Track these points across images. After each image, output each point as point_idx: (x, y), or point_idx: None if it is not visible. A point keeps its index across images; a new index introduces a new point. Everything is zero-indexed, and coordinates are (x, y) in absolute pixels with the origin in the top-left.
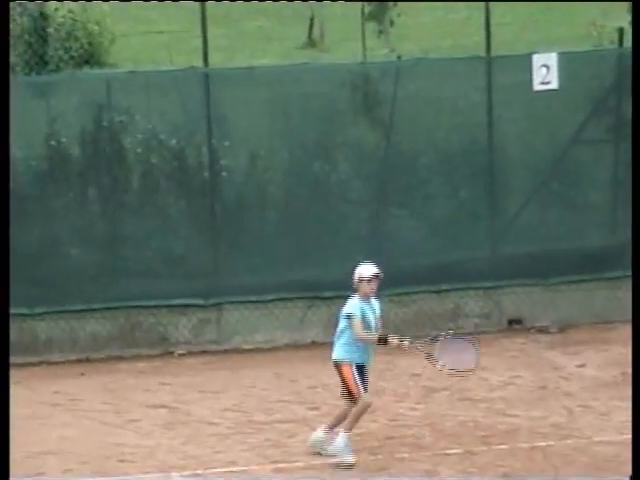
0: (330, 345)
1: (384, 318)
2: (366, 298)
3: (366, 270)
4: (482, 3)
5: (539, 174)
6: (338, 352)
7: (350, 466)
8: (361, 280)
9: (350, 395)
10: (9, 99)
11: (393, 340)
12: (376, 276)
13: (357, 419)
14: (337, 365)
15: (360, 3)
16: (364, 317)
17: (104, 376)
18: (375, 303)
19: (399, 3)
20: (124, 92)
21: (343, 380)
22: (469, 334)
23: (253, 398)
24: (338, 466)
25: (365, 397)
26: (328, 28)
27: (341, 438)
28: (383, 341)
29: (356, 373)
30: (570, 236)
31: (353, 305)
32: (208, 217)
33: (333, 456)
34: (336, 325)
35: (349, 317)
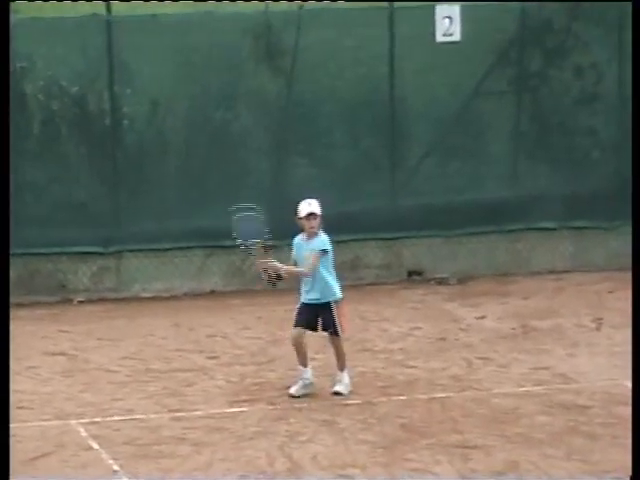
0: (229, 294)
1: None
2: (307, 235)
3: (303, 207)
4: None
5: (441, 125)
6: None
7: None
8: (298, 218)
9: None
10: (9, 97)
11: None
12: (310, 215)
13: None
14: None
15: None
16: (297, 254)
17: None
18: (315, 242)
19: None
20: (26, 38)
21: None
22: (369, 284)
23: (151, 347)
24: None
25: (292, 332)
26: None
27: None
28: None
29: (298, 311)
30: (471, 188)
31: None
32: (109, 164)
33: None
34: (235, 275)
35: None
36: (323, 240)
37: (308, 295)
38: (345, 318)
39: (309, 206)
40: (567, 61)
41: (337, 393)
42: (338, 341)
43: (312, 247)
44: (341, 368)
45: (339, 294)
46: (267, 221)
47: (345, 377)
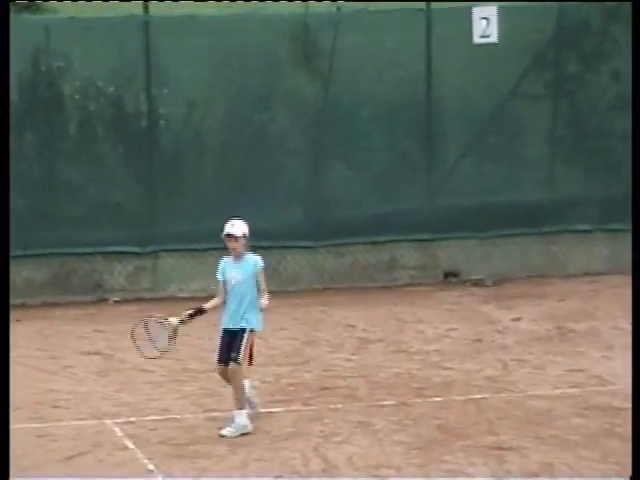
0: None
1: (319, 269)
2: (234, 256)
3: (226, 227)
4: None
5: (477, 127)
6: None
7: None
8: (223, 236)
9: None
10: (9, 98)
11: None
12: (228, 235)
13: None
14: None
15: None
16: (223, 274)
17: (39, 322)
18: (247, 262)
19: None
20: (63, 38)
21: None
22: (405, 286)
23: (187, 346)
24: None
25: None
26: None
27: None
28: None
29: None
30: (507, 190)
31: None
32: (145, 165)
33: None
34: (271, 276)
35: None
36: (256, 259)
37: (229, 319)
38: (253, 350)
39: (230, 227)
40: (604, 65)
41: (222, 436)
42: (237, 371)
43: (244, 268)
44: (237, 406)
45: (257, 324)
46: (303, 222)
47: (238, 417)
